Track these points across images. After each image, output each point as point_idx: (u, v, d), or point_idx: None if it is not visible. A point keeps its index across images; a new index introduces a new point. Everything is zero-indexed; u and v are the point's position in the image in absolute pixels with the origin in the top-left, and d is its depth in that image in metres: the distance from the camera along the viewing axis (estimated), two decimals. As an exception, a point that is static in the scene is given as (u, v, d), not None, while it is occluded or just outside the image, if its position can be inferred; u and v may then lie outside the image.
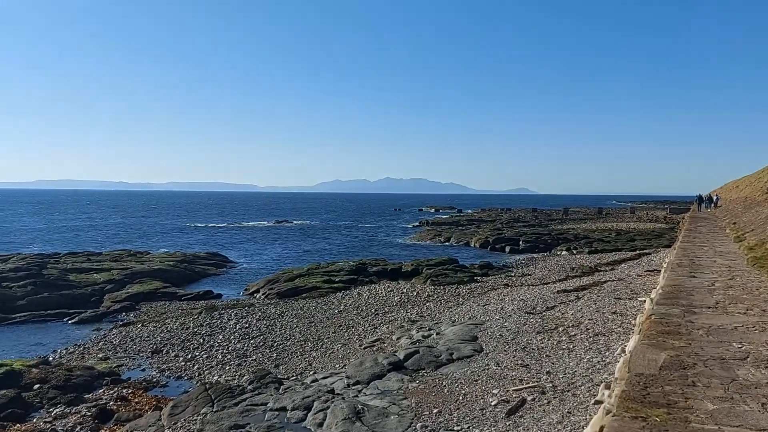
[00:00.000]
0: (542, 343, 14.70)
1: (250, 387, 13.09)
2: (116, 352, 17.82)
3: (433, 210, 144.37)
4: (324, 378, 13.78)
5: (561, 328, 15.87)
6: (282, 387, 13.15)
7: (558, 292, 22.74)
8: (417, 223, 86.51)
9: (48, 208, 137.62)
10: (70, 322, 22.58)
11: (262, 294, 27.78)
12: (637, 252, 39.74)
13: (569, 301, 20.02)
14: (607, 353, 12.90)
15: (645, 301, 14.81)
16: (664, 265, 14.43)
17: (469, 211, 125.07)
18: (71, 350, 18.19)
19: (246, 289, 29.74)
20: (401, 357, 14.38)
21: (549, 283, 27.70)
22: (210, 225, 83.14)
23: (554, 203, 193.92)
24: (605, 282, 23.71)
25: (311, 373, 14.82)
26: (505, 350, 14.53)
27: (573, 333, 15.13)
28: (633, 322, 15.00)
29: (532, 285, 27.41)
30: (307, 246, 54.53)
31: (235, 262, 41.04)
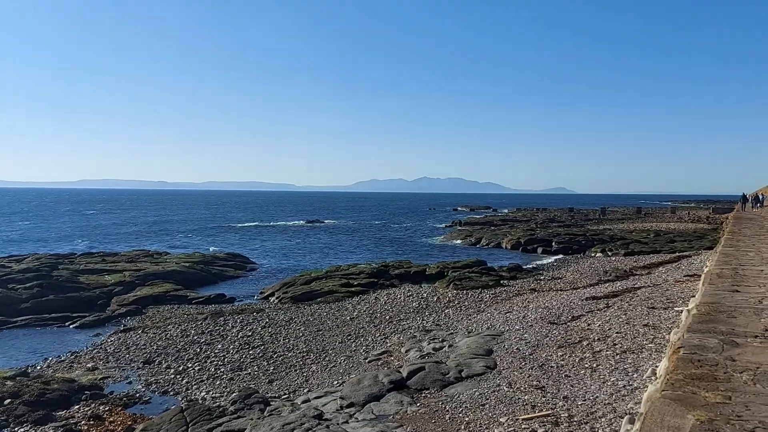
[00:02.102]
0: (563, 359, 13.04)
1: (232, 408, 11.78)
2: (107, 362, 16.77)
3: (467, 209, 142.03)
4: (317, 398, 12.40)
5: (585, 342, 14.17)
6: (268, 408, 11.81)
7: (587, 298, 20.94)
8: (449, 223, 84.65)
9: (88, 206, 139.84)
10: (71, 326, 21.73)
11: (276, 298, 26.59)
12: (677, 254, 37.34)
13: (598, 309, 18.24)
14: (635, 375, 11.21)
15: (681, 312, 13.01)
16: (702, 276, 12.57)
17: (505, 211, 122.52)
18: (62, 358, 17.21)
19: (261, 293, 28.61)
20: (404, 374, 12.90)
21: (579, 288, 25.83)
22: (238, 224, 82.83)
23: (592, 203, 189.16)
24: (639, 288, 21.78)
25: (305, 391, 13.45)
26: (520, 367, 12.92)
27: (598, 348, 13.42)
28: (666, 337, 13.23)
29: (561, 290, 25.59)
30: (333, 246, 53.37)
31: (256, 263, 40.03)
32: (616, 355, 12.62)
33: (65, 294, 25.07)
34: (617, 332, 14.43)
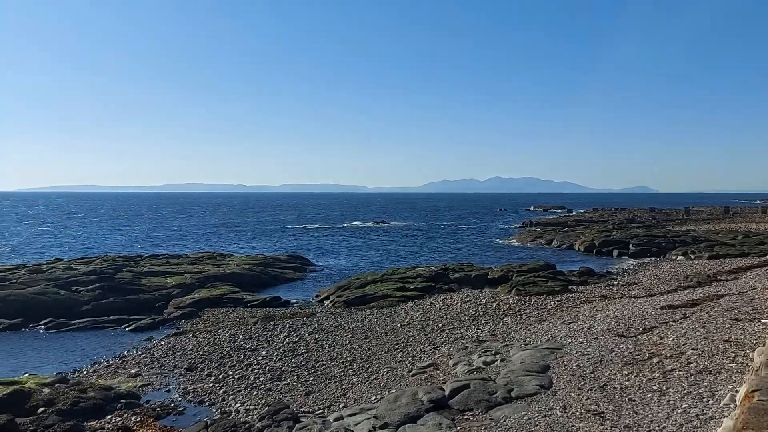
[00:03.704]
0: (628, 379, 11.56)
1: (258, 425, 11.04)
2: (151, 367, 16.49)
3: (540, 210, 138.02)
4: (351, 415, 11.48)
5: (656, 360, 12.59)
6: (296, 426, 11.00)
7: (662, 307, 19.05)
8: (520, 224, 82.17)
9: (178, 208, 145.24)
10: (126, 329, 21.81)
11: (330, 302, 25.95)
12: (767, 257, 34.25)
13: (673, 320, 16.44)
14: (710, 401, 9.68)
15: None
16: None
17: (580, 211, 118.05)
18: (109, 363, 17.09)
19: (317, 296, 28.07)
20: (447, 392, 11.78)
21: (655, 294, 23.81)
22: (306, 226, 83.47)
23: (676, 202, 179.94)
24: (722, 296, 19.70)
25: (341, 406, 12.57)
26: (579, 387, 11.54)
27: (670, 367, 11.85)
28: (750, 355, 11.52)
29: (635, 297, 23.65)
30: (396, 248, 52.52)
31: (317, 265, 39.69)
32: (690, 376, 11.07)
33: (125, 296, 25.34)
34: (693, 348, 12.78)
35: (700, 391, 10.20)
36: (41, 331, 21.63)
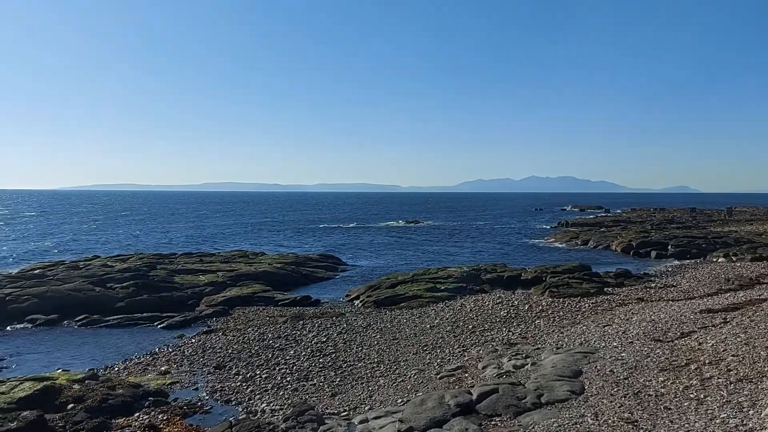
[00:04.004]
0: (664, 386, 11.12)
1: (283, 426, 10.94)
2: (181, 365, 16.59)
3: (577, 210, 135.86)
4: (376, 418, 11.30)
5: (693, 366, 12.10)
6: (321, 428, 10.88)
7: (701, 311, 18.39)
8: (555, 224, 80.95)
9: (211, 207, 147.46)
10: (159, 326, 22.06)
11: (360, 302, 25.84)
12: (815, 260, 32.94)
13: (713, 325, 15.84)
14: (750, 412, 9.21)
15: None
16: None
17: (618, 211, 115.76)
18: (140, 360, 17.26)
19: (347, 295, 28.01)
20: (474, 396, 11.51)
21: (694, 297, 23.05)
22: (339, 225, 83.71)
23: (717, 202, 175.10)
24: (765, 300, 18.92)
25: (366, 408, 12.39)
26: (612, 394, 11.14)
27: (708, 374, 11.36)
28: (796, 364, 10.98)
29: (673, 300, 22.93)
30: (427, 248, 52.19)
31: (348, 264, 39.66)
32: (730, 384, 10.58)
33: (158, 294, 25.67)
34: (733, 355, 12.24)
35: (740, 400, 9.74)
36: (76, 327, 22.04)
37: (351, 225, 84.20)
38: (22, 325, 22.00)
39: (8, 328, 21.70)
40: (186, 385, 14.84)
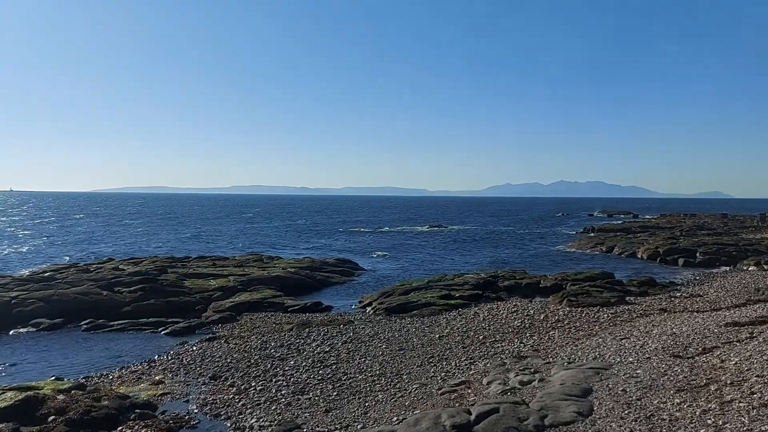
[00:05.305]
0: (679, 410, 10.17)
1: (265, 444, 10.27)
2: (177, 374, 16.03)
3: (605, 215, 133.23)
4: (366, 438, 10.57)
5: (713, 387, 11.09)
6: (305, 448, 10.17)
7: (727, 324, 17.25)
8: (581, 230, 79.21)
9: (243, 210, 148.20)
10: (163, 332, 21.59)
11: (372, 309, 25.10)
12: None
13: (738, 340, 14.74)
14: (775, 443, 8.27)
15: None
16: None
17: (647, 217, 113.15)
18: (136, 368, 16.75)
19: (360, 302, 27.31)
20: (473, 416, 10.69)
21: (721, 309, 21.82)
22: (359, 228, 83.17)
23: (751, 208, 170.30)
24: (798, 314, 17.72)
25: (359, 426, 11.64)
26: (622, 417, 10.23)
27: (729, 397, 10.36)
28: (828, 390, 9.94)
29: (698, 311, 21.74)
30: (449, 253, 51.24)
31: (365, 269, 38.94)
32: (753, 409, 9.59)
33: (166, 298, 25.24)
34: (757, 375, 11.20)
35: (763, 428, 8.77)
36: (80, 331, 21.69)
37: (374, 229, 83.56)
38: (26, 329, 21.71)
39: (11, 332, 21.43)
40: (177, 397, 14.25)
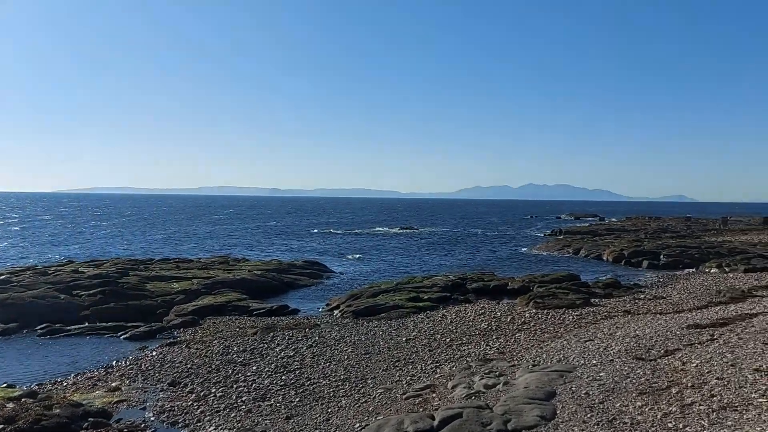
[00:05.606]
0: (641, 413, 10.17)
1: (222, 454, 9.97)
2: (134, 381, 15.57)
3: (572, 218, 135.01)
4: (326, 445, 10.34)
5: (675, 390, 11.13)
6: (263, 456, 9.90)
7: (688, 326, 17.44)
8: (549, 232, 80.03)
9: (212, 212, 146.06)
10: (122, 337, 21.00)
11: (340, 311, 24.84)
12: (811, 272, 32.02)
13: (699, 342, 14.88)
14: (731, 446, 8.28)
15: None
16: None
17: (613, 220, 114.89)
18: (92, 374, 16.22)
19: (327, 304, 27.01)
20: (436, 422, 10.54)
21: (683, 311, 22.09)
22: (330, 230, 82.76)
23: (713, 212, 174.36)
24: (756, 315, 17.98)
25: (320, 434, 11.42)
26: (584, 420, 10.19)
27: (690, 400, 10.40)
28: (787, 390, 10.02)
29: (661, 313, 22.00)
30: (419, 255, 51.19)
31: (334, 271, 38.62)
32: (713, 411, 9.63)
33: (126, 302, 24.58)
34: (717, 378, 11.28)
35: (722, 431, 8.80)
36: (35, 336, 20.96)
37: (345, 231, 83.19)
38: (-23, 335, 20.94)
39: (-38, 337, 20.65)
40: (133, 404, 13.81)
